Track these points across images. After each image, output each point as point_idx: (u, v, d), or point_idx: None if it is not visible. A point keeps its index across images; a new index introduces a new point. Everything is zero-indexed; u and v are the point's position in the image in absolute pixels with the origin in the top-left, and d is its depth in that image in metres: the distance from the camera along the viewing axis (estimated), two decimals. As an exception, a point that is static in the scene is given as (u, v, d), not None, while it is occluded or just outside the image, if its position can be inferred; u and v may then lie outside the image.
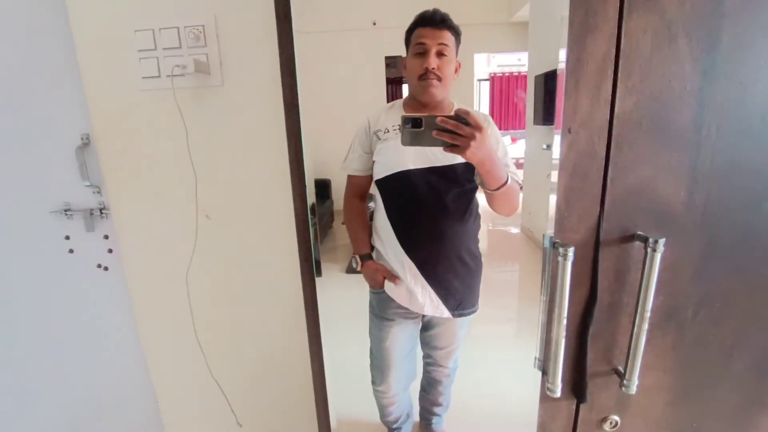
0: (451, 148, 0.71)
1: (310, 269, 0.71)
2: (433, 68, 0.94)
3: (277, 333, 1.12)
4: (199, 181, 1.04)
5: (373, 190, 1.09)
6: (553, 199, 0.60)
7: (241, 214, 1.06)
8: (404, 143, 0.71)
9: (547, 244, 0.60)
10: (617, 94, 0.54)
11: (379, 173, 1.04)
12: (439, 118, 0.68)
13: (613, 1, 0.51)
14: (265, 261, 1.07)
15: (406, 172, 0.99)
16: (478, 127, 0.70)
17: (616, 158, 0.56)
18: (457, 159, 0.96)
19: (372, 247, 1.12)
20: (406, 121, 0.69)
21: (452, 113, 0.69)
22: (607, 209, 0.58)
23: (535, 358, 0.67)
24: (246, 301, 1.11)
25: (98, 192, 1.18)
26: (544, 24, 4.06)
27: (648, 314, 0.58)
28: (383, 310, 1.13)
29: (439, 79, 0.95)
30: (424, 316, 1.13)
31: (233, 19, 0.98)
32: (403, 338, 1.16)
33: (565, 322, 0.58)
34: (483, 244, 1.10)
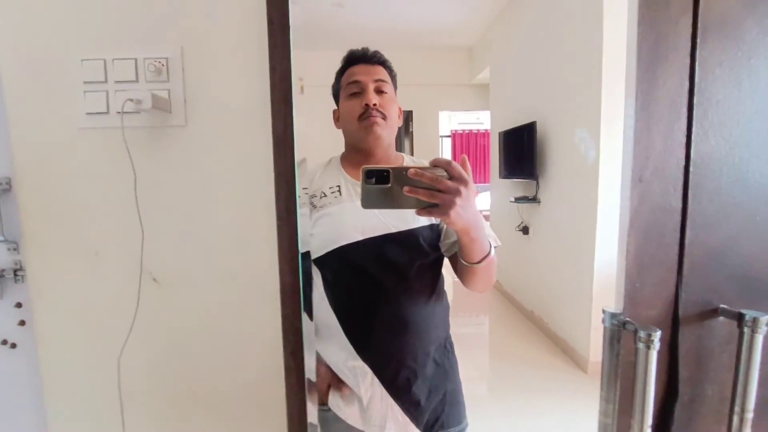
0: (428, 209, 0.55)
1: (299, 367, 0.52)
2: (374, 104, 0.79)
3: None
4: (146, 238, 0.84)
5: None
6: (594, 253, 0.47)
7: (198, 278, 0.86)
8: (366, 205, 0.55)
9: (609, 323, 0.46)
10: (692, 136, 0.44)
11: (317, 250, 0.81)
12: (411, 170, 0.53)
13: (685, 24, 0.42)
14: (230, 338, 0.84)
15: (353, 245, 0.77)
16: (462, 180, 0.54)
17: (694, 213, 0.45)
18: (420, 221, 0.79)
19: None
20: (368, 174, 0.53)
21: (416, 164, 0.55)
22: (686, 277, 0.46)
23: (596, 474, 0.51)
24: (200, 390, 0.86)
25: (15, 249, 0.94)
26: (503, 85, 4.33)
27: (750, 415, 0.45)
28: None
29: (384, 117, 0.80)
30: None
31: (203, 52, 0.85)
32: None
33: (650, 431, 0.43)
34: (449, 295, 0.92)
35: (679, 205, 0.45)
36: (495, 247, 0.74)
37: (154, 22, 0.84)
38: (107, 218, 0.85)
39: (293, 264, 0.51)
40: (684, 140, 0.44)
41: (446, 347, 0.85)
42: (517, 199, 3.41)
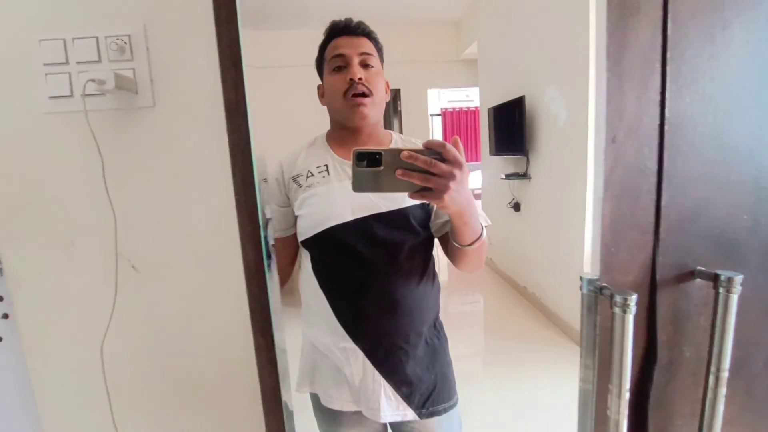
0: (421, 193, 0.53)
1: (269, 346, 0.51)
2: (359, 78, 0.74)
3: (229, 416, 0.87)
4: (119, 224, 0.82)
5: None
6: (584, 227, 0.46)
7: (177, 263, 0.84)
8: (357, 188, 0.52)
9: (587, 289, 0.46)
10: (666, 93, 0.42)
11: (305, 231, 0.79)
12: (404, 153, 0.50)
13: (658, -25, 0.40)
14: (211, 321, 0.84)
15: (343, 226, 0.75)
16: (456, 164, 0.52)
17: (669, 175, 0.44)
18: (409, 200, 0.74)
19: None
20: (359, 157, 0.50)
21: (410, 146, 0.52)
22: (663, 240, 0.45)
23: (577, 438, 0.51)
24: (183, 375, 0.86)
25: (-12, 244, 0.92)
26: (491, 59, 4.24)
27: (725, 374, 0.45)
28: (327, 423, 0.88)
29: (370, 94, 0.76)
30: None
31: (168, 28, 0.81)
32: None
33: (627, 396, 0.43)
34: (443, 276, 0.91)
35: (654, 166, 0.44)
36: (485, 227, 0.72)
37: (113, -3, 0.80)
38: (79, 206, 0.82)
39: (255, 240, 0.50)
40: (658, 98, 0.43)
41: (436, 327, 0.84)
42: (508, 176, 3.40)
